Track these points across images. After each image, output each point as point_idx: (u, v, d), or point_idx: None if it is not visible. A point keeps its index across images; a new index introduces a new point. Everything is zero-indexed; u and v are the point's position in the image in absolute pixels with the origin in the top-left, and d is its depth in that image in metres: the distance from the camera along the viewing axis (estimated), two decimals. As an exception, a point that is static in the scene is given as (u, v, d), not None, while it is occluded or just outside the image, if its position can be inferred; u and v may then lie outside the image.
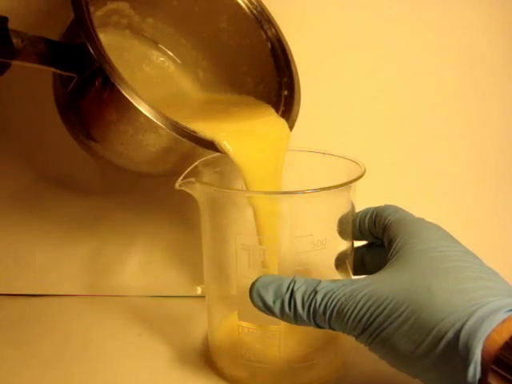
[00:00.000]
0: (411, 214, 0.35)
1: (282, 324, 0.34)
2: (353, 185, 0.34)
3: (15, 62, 0.31)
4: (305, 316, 0.29)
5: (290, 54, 0.42)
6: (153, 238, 0.49)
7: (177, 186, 0.34)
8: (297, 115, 0.40)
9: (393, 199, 0.48)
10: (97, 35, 0.32)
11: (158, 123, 0.32)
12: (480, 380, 0.24)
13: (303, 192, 0.32)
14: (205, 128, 0.34)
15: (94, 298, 0.49)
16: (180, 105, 0.42)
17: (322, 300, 0.29)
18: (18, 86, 0.42)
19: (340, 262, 0.37)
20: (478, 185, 0.49)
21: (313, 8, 0.45)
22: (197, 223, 0.38)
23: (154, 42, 0.44)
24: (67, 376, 0.38)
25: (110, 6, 0.40)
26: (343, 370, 0.38)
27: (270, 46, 0.41)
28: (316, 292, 0.29)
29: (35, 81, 0.40)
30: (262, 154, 0.37)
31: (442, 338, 0.25)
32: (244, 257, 0.35)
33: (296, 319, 0.30)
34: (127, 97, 0.31)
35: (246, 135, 0.37)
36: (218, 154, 0.36)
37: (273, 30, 0.41)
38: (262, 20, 0.41)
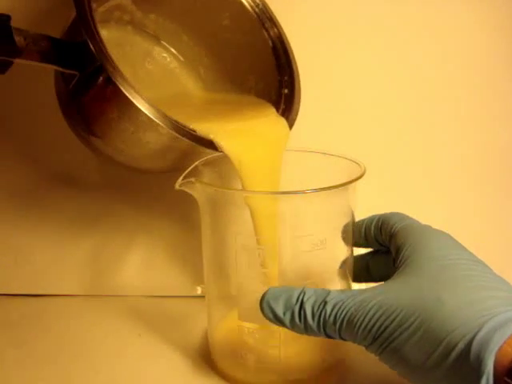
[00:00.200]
0: (418, 222, 0.35)
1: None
2: (353, 185, 0.34)
3: (17, 61, 0.31)
4: (315, 327, 0.29)
5: (292, 52, 0.42)
6: (153, 239, 0.49)
7: (177, 186, 0.34)
8: (297, 114, 0.40)
9: (393, 199, 0.48)
10: (98, 33, 0.32)
11: (159, 122, 0.32)
12: None
13: (303, 192, 0.32)
14: (204, 127, 0.35)
15: (93, 298, 0.49)
16: (181, 104, 0.42)
17: (332, 310, 0.29)
18: (19, 83, 0.42)
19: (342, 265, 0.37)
20: (478, 185, 0.49)
21: (313, 8, 0.45)
22: (197, 223, 0.38)
23: (157, 39, 0.44)
24: (67, 376, 0.38)
25: (113, 1, 0.40)
26: (343, 369, 0.38)
27: (271, 44, 0.41)
28: (326, 303, 0.29)
29: (36, 78, 0.40)
30: (259, 153, 0.37)
31: (453, 349, 0.25)
32: (244, 257, 0.35)
33: (306, 330, 0.30)
34: (128, 96, 0.31)
35: (244, 134, 0.37)
36: (217, 153, 0.36)
37: (274, 28, 0.41)
38: (264, 18, 0.41)
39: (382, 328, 0.27)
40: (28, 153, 0.47)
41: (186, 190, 0.34)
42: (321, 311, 0.29)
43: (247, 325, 0.36)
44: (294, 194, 0.33)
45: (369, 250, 0.39)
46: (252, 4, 0.41)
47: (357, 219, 0.38)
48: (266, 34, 0.41)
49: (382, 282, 0.30)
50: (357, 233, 0.38)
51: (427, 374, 0.26)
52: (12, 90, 0.44)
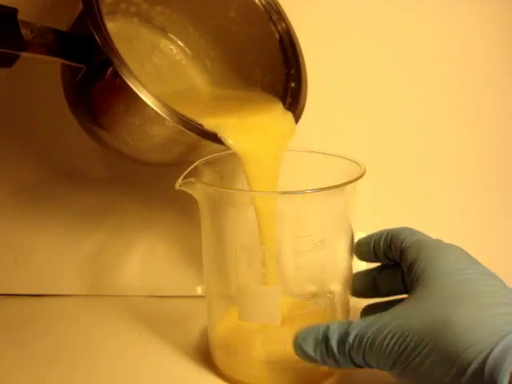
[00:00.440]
0: (428, 237, 0.35)
1: (282, 323, 0.34)
2: (353, 185, 0.34)
3: (24, 54, 0.31)
4: (342, 359, 0.30)
5: (299, 46, 0.41)
6: (152, 239, 0.49)
7: (177, 186, 0.34)
8: (303, 108, 0.39)
9: (393, 199, 0.48)
10: (105, 26, 0.32)
11: (165, 116, 0.32)
12: None
13: (303, 192, 0.32)
14: (210, 121, 0.35)
15: (93, 298, 0.49)
16: (188, 100, 0.42)
17: (354, 340, 0.29)
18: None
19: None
20: (478, 186, 0.49)
21: (313, 9, 0.45)
22: (197, 223, 0.38)
23: (163, 31, 0.44)
24: (67, 376, 0.38)
25: None
26: (344, 368, 0.38)
27: (278, 37, 0.41)
28: (348, 334, 0.30)
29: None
30: (265, 148, 0.37)
31: (467, 369, 0.25)
32: (244, 257, 0.35)
33: (337, 363, 0.31)
34: (134, 89, 0.31)
35: (250, 129, 0.37)
36: (218, 154, 0.36)
37: (282, 21, 0.41)
38: (271, 11, 0.41)
39: (399, 353, 0.28)
40: (28, 154, 0.47)
41: (186, 190, 0.34)
42: (344, 344, 0.30)
43: (247, 324, 0.36)
44: (294, 193, 0.33)
45: (374, 265, 0.39)
46: None
47: (357, 219, 0.38)
48: (273, 26, 0.41)
49: (391, 297, 0.32)
50: (365, 248, 0.38)
51: None
52: (17, 83, 0.44)
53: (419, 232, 0.36)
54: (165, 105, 0.32)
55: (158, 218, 0.48)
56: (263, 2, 0.41)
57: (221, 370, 0.37)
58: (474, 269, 0.30)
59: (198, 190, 0.35)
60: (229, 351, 0.37)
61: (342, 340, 0.30)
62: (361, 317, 0.39)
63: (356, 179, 0.34)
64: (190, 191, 0.35)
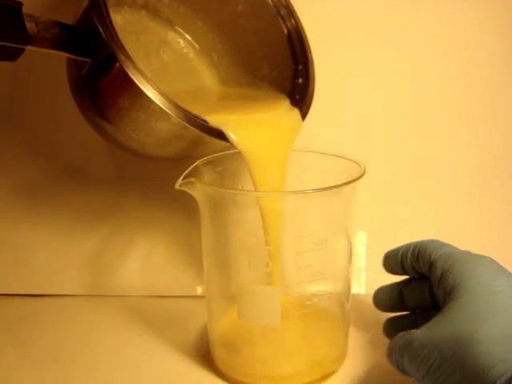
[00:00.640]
0: (457, 248, 0.35)
1: (282, 323, 0.34)
2: (353, 185, 0.34)
3: (29, 48, 0.31)
4: (401, 371, 0.31)
5: (307, 41, 0.41)
6: (153, 239, 0.49)
7: (177, 186, 0.34)
8: (310, 105, 0.39)
9: (393, 200, 0.48)
10: (111, 20, 0.31)
11: (169, 112, 0.32)
12: None
13: (303, 192, 0.32)
14: (215, 118, 0.34)
15: (93, 298, 0.49)
16: (195, 97, 0.42)
17: (399, 354, 0.31)
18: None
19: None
20: (479, 186, 0.49)
21: (313, 9, 0.45)
22: (197, 223, 0.38)
23: (171, 24, 0.43)
24: (66, 376, 0.38)
25: None
26: (344, 368, 0.38)
27: (286, 32, 0.41)
28: (399, 347, 0.31)
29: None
30: (269, 145, 0.36)
31: None
32: (244, 257, 0.35)
33: (405, 373, 0.31)
34: (139, 85, 0.31)
35: (255, 126, 0.36)
36: (218, 153, 0.36)
37: (290, 16, 0.41)
38: (280, 5, 0.41)
39: (427, 368, 0.28)
40: (28, 154, 0.47)
41: (186, 190, 0.34)
42: (395, 356, 0.31)
43: (247, 324, 0.36)
44: (293, 193, 0.33)
45: (400, 278, 0.39)
46: None
47: (356, 219, 0.38)
48: (281, 21, 0.41)
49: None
50: (393, 261, 0.37)
51: None
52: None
53: (448, 244, 0.35)
54: (170, 101, 0.32)
55: (158, 217, 0.48)
56: None
57: (220, 370, 0.37)
58: (504, 281, 0.30)
59: (198, 190, 0.35)
60: (228, 351, 0.37)
61: (396, 354, 0.31)
62: (384, 330, 0.39)
63: (356, 179, 0.34)
64: (190, 191, 0.35)
